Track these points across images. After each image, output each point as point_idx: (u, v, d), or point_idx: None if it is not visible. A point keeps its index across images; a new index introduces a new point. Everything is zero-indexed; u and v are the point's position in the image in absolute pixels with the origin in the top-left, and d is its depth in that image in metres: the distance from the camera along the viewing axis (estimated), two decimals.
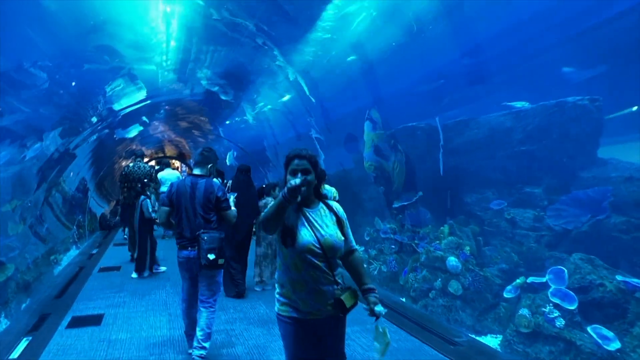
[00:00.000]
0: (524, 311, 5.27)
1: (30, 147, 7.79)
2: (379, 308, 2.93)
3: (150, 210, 8.57)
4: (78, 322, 6.02)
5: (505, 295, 5.67)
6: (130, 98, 10.24)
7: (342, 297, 2.84)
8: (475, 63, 7.14)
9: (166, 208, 4.73)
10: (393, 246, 8.05)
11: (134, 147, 16.18)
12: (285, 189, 2.75)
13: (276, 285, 3.04)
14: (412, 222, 8.22)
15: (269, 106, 12.06)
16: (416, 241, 7.70)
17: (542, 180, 6.73)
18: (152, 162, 24.99)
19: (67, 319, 6.14)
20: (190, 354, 4.73)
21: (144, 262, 8.59)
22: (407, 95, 8.58)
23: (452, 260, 6.43)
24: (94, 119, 10.12)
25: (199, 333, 4.65)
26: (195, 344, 4.67)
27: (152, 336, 5.47)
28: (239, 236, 7.17)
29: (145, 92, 10.14)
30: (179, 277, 8.18)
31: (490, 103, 7.39)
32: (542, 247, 6.26)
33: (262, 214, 2.90)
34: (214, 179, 4.94)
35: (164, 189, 12.58)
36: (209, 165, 4.84)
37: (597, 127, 6.08)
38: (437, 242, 7.42)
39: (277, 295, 3.01)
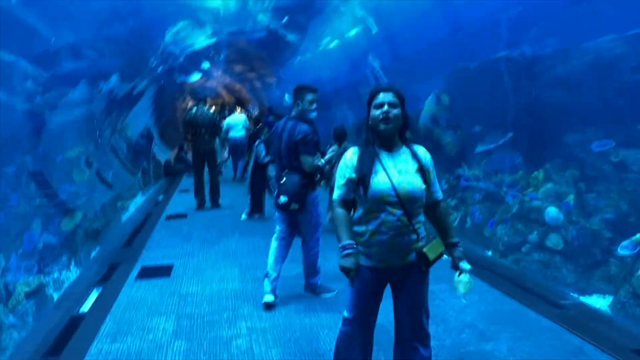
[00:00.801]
0: None
1: (95, 91, 7.50)
2: (464, 264, 2.74)
3: (262, 155, 8.28)
4: (147, 273, 5.76)
5: (621, 252, 4.93)
6: (192, 40, 9.78)
7: (425, 250, 2.66)
8: None
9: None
10: (477, 195, 7.35)
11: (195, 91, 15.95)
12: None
13: (353, 226, 2.78)
14: (499, 167, 7.46)
15: (335, 42, 11.31)
16: (504, 189, 6.96)
17: None
18: (213, 108, 24.93)
19: (137, 269, 5.91)
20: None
21: (260, 205, 8.56)
22: (490, 23, 7.65)
23: (553, 212, 5.70)
24: (155, 63, 9.74)
25: (304, 271, 4.92)
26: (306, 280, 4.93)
27: (224, 289, 5.12)
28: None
29: (206, 33, 9.64)
30: (247, 226, 7.98)
31: (596, 26, 6.44)
32: None
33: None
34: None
35: (232, 134, 12.74)
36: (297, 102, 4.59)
37: None
38: (531, 189, 6.67)
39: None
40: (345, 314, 2.87)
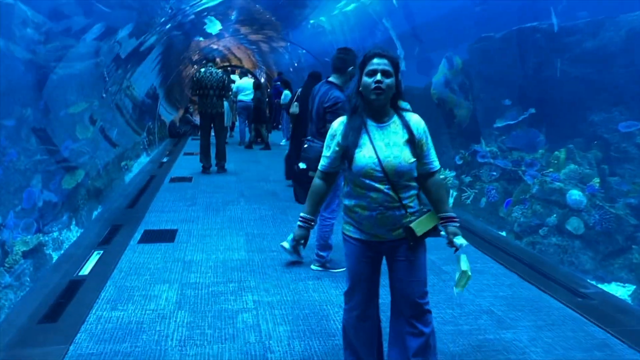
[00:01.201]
0: None
1: (101, 45, 7.17)
2: (459, 240, 2.57)
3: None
4: (150, 237, 5.57)
5: None
6: None
7: (412, 225, 2.49)
8: None
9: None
10: (494, 173, 7.08)
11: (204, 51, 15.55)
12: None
13: (342, 199, 2.71)
14: (519, 144, 7.17)
15: (352, 5, 10.87)
16: (523, 168, 6.70)
17: None
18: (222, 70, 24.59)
19: (139, 232, 5.72)
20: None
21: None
22: None
23: (576, 194, 5.45)
24: (163, 18, 9.36)
25: (315, 243, 4.62)
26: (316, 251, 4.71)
27: (230, 259, 4.92)
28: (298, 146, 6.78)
29: None
30: (253, 193, 7.76)
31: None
32: None
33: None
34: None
35: (241, 97, 13.21)
36: (350, 69, 4.34)
37: None
38: (551, 169, 6.40)
39: (342, 212, 2.74)
40: (345, 290, 2.76)
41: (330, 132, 2.66)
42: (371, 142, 2.49)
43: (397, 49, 10.97)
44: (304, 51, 15.15)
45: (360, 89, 2.53)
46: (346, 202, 2.64)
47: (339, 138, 2.59)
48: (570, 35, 6.69)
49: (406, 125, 2.54)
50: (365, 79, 2.48)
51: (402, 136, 2.52)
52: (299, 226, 2.72)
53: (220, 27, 13.44)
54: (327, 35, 13.64)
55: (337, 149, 2.60)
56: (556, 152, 6.59)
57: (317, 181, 2.71)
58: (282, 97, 12.72)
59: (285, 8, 11.48)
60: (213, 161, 9.46)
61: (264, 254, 5.05)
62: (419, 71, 10.13)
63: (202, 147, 9.28)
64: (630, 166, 5.91)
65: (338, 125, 2.63)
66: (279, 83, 16.29)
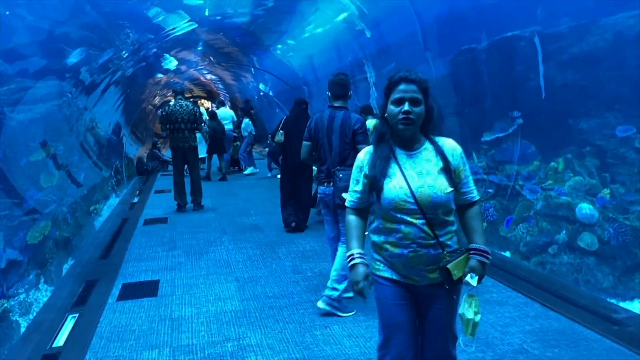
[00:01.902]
0: None
1: (63, 84, 6.65)
2: (470, 278, 2.21)
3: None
4: (130, 292, 5.01)
5: None
6: (168, 27, 8.92)
7: (449, 265, 2.18)
8: None
9: (307, 143, 4.47)
10: (490, 190, 6.77)
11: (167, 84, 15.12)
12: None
13: (371, 236, 2.43)
14: (510, 157, 6.89)
15: (320, 29, 10.57)
16: (520, 182, 6.40)
17: None
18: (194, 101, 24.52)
19: (117, 287, 5.15)
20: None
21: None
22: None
23: (586, 208, 5.15)
24: (125, 53, 8.88)
25: (332, 273, 4.23)
26: (328, 284, 4.24)
27: (223, 312, 4.41)
28: (286, 174, 6.92)
29: (183, 19, 8.80)
30: (236, 230, 7.26)
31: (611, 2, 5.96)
32: None
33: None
34: None
35: None
36: (349, 93, 4.43)
37: None
38: (550, 182, 6.12)
39: (371, 250, 2.42)
40: (379, 343, 2.41)
41: (356, 164, 2.41)
42: (402, 171, 2.24)
43: (368, 71, 10.74)
44: (273, 76, 14.81)
45: (386, 116, 2.28)
46: (374, 239, 2.37)
47: (366, 169, 2.34)
48: (554, 41, 6.50)
49: (440, 152, 2.28)
50: (392, 108, 2.23)
51: (436, 164, 2.26)
52: (360, 264, 2.28)
53: (176, 63, 13.17)
54: (297, 60, 13.34)
55: (365, 181, 2.35)
56: (552, 163, 6.33)
57: (351, 217, 2.43)
58: (243, 125, 12.98)
59: (252, 35, 11.12)
60: (188, 198, 8.92)
61: (260, 302, 4.57)
62: None
63: (176, 185, 8.74)
64: (629, 172, 5.68)
65: (364, 155, 2.38)
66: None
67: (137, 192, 11.40)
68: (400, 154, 2.29)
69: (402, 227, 2.22)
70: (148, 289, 5.06)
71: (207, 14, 8.79)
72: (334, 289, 4.18)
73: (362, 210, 2.43)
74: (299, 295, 4.67)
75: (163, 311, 4.47)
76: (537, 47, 6.58)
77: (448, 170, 2.25)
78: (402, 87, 2.21)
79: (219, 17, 9.37)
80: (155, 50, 9.93)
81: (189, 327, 4.12)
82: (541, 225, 5.57)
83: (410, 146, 2.29)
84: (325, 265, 5.51)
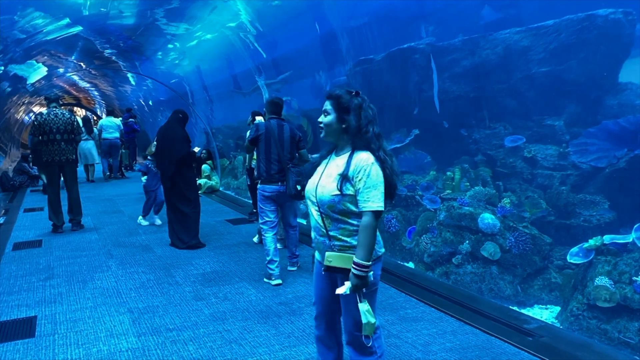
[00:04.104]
0: (603, 280, 4.19)
1: None
2: (342, 290, 2.51)
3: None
4: (0, 333, 4.27)
5: (572, 260, 4.56)
6: (42, 28, 7.99)
7: (329, 253, 2.57)
8: None
9: (251, 146, 5.41)
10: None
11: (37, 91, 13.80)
12: None
13: None
14: (407, 168, 6.96)
15: (209, 35, 10.12)
16: (420, 192, 6.45)
17: (565, 109, 5.79)
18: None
19: None
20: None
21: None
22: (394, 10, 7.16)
23: (488, 218, 5.25)
24: None
25: (292, 253, 5.73)
26: (288, 262, 5.74)
27: (118, 351, 3.85)
28: (165, 184, 6.72)
29: (61, 22, 7.93)
30: (124, 252, 6.58)
31: (504, 19, 6.30)
32: (569, 190, 5.31)
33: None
34: None
35: (106, 135, 13.81)
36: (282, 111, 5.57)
37: (627, 46, 5.20)
38: (449, 191, 6.23)
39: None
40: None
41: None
42: (321, 171, 2.70)
43: (258, 79, 10.50)
44: (158, 84, 14.05)
45: None
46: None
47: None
48: (448, 54, 6.68)
49: (349, 161, 2.55)
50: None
51: (340, 169, 2.57)
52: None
53: (46, 70, 12.08)
54: (184, 67, 12.75)
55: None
56: (449, 173, 6.47)
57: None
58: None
59: (137, 39, 10.37)
60: (66, 217, 8.03)
61: (161, 336, 4.07)
62: None
63: (51, 203, 7.81)
64: (518, 180, 5.94)
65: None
66: (132, 120, 15.16)
67: (3, 211, 10.12)
68: (332, 156, 2.72)
69: (311, 216, 2.68)
70: (23, 328, 4.34)
71: (86, 13, 7.98)
72: (297, 255, 5.74)
73: None
74: (204, 325, 4.23)
75: (44, 355, 3.82)
76: (434, 58, 6.72)
77: (345, 177, 2.51)
78: (326, 101, 2.67)
79: (99, 18, 8.58)
80: (21, 53, 8.87)
81: None
82: (445, 236, 5.62)
83: (338, 152, 2.70)
84: (230, 289, 5.12)
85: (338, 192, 2.50)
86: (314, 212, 2.64)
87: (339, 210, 2.53)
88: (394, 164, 2.62)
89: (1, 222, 8.97)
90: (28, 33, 7.81)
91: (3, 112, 13.30)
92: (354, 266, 2.44)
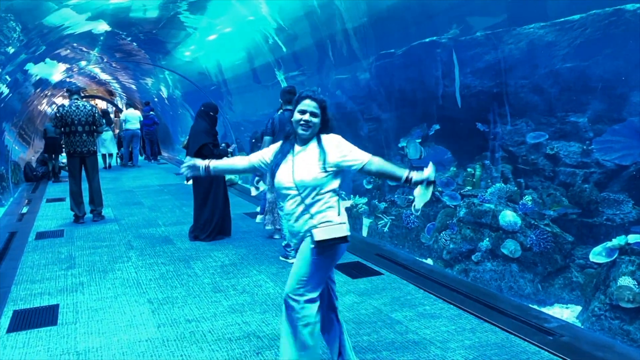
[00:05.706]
0: (626, 280, 4.13)
1: None
2: (426, 175, 2.84)
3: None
4: (24, 321, 4.34)
5: (595, 259, 4.49)
6: (66, 24, 8.08)
7: (313, 231, 2.79)
8: None
9: (269, 137, 5.56)
10: (410, 197, 6.72)
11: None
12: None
13: None
14: (427, 163, 6.90)
15: (230, 29, 10.13)
16: (440, 188, 6.41)
17: (589, 106, 5.69)
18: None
19: (7, 316, 4.45)
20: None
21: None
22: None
23: (509, 216, 5.19)
24: (10, 49, 7.95)
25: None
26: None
27: (136, 341, 3.90)
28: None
29: (81, 14, 8.00)
30: (144, 244, 6.65)
31: (529, 12, 6.18)
32: (592, 188, 5.22)
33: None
34: None
35: (128, 126, 15.03)
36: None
37: None
38: (469, 187, 6.18)
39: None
40: None
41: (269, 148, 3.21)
42: (291, 162, 2.93)
43: (277, 73, 10.49)
44: (178, 76, 14.12)
45: (292, 120, 2.96)
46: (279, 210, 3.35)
47: (270, 156, 3.14)
48: (470, 48, 6.60)
49: (319, 145, 2.90)
50: (297, 115, 2.91)
51: (315, 155, 2.89)
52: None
53: (67, 66, 12.27)
54: (204, 60, 12.80)
55: (265, 162, 3.15)
56: (469, 169, 6.41)
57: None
58: None
59: (162, 30, 10.43)
60: (87, 208, 8.13)
61: (180, 328, 4.11)
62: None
63: (73, 194, 7.92)
64: (540, 177, 5.86)
65: (275, 146, 3.16)
66: (152, 113, 15.36)
67: (26, 201, 10.30)
68: (295, 148, 2.97)
69: (284, 208, 2.98)
70: (45, 316, 4.42)
71: (109, 6, 8.05)
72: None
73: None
74: (222, 317, 4.27)
75: (65, 344, 3.88)
76: (456, 52, 6.65)
77: (324, 159, 2.83)
78: (307, 102, 2.89)
79: (122, 11, 8.64)
80: (45, 47, 8.98)
81: None
82: (464, 233, 5.57)
83: (303, 143, 2.95)
84: (249, 282, 5.14)
85: (322, 175, 2.83)
86: (289, 202, 2.89)
87: (324, 189, 2.85)
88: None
89: (24, 211, 9.12)
90: (52, 27, 7.90)
91: (27, 104, 13.49)
92: (416, 176, 2.82)
